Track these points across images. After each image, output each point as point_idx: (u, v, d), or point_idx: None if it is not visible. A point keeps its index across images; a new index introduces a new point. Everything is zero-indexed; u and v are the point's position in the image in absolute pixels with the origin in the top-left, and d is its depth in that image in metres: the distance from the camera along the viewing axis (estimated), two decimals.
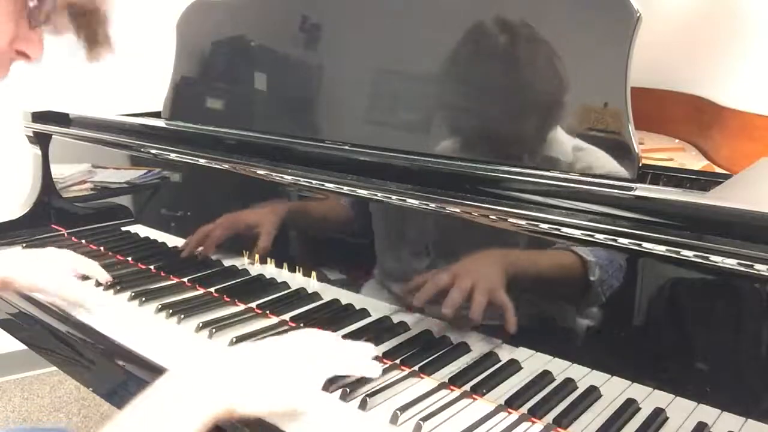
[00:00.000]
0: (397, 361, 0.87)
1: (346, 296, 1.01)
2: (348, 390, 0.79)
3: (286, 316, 1.01)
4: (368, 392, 0.79)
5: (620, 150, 0.82)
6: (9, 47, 0.65)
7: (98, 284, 1.13)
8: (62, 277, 1.05)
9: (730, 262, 0.65)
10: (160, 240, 1.27)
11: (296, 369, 0.73)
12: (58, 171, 1.43)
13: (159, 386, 0.65)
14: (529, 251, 0.84)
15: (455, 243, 0.90)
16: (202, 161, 1.14)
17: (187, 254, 1.19)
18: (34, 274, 1.03)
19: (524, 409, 0.77)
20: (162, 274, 1.18)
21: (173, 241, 1.24)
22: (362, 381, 0.81)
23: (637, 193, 0.75)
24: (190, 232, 1.19)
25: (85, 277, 1.13)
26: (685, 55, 1.53)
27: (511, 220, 0.80)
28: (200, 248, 1.18)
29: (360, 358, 0.80)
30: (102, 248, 1.32)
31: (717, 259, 0.66)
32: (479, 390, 0.80)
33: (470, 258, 0.88)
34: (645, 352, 0.75)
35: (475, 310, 0.85)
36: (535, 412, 0.76)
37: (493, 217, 0.81)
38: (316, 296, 1.04)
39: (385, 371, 0.85)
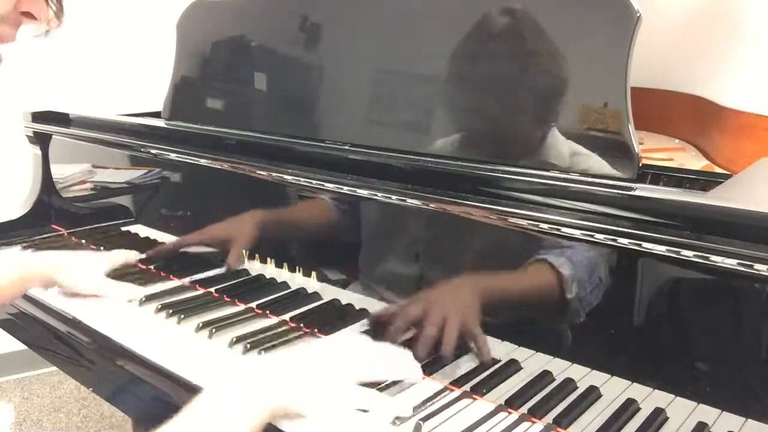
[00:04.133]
0: None
1: (346, 296, 1.01)
2: None
3: (286, 316, 1.01)
4: None
5: (620, 150, 0.82)
6: (14, 10, 0.66)
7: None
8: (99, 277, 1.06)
9: (730, 262, 0.65)
10: (160, 240, 1.27)
11: (344, 372, 0.72)
12: (58, 171, 1.43)
13: (209, 394, 0.66)
14: (504, 274, 0.83)
15: (451, 254, 0.90)
16: (202, 161, 1.14)
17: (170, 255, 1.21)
18: (76, 276, 1.04)
19: (524, 409, 0.77)
20: (162, 274, 1.18)
21: (173, 241, 1.24)
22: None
23: (637, 193, 0.75)
24: (190, 233, 1.20)
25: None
26: (685, 55, 1.53)
27: (511, 220, 0.80)
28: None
29: (402, 360, 0.78)
30: (102, 248, 1.32)
31: (717, 259, 0.66)
32: (479, 390, 0.80)
33: (442, 289, 0.87)
34: (645, 352, 0.75)
35: (448, 343, 0.84)
36: (535, 412, 0.76)
37: (493, 217, 0.81)
38: (316, 296, 1.04)
39: None
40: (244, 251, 1.11)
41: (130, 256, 1.16)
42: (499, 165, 0.88)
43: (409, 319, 0.88)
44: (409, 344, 0.84)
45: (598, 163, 0.84)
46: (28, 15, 0.68)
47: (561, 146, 0.88)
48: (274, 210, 1.09)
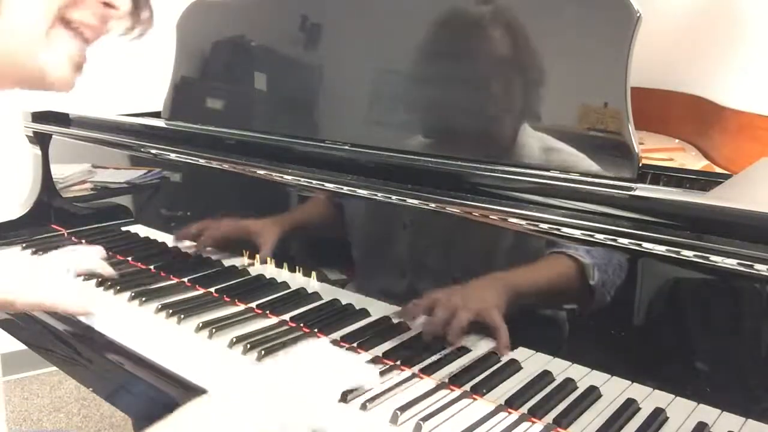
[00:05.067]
0: (398, 362, 0.87)
1: (346, 296, 1.01)
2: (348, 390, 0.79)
3: (286, 316, 1.01)
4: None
5: (620, 150, 0.82)
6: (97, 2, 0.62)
7: (99, 284, 1.13)
8: (61, 286, 1.02)
9: (730, 262, 0.65)
10: (160, 240, 1.27)
11: (309, 391, 0.73)
12: (58, 171, 1.43)
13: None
14: (527, 269, 0.83)
15: (452, 255, 0.90)
16: (202, 161, 1.14)
17: (179, 247, 1.21)
18: (34, 291, 0.99)
19: (524, 409, 0.77)
20: (162, 274, 1.18)
21: (173, 241, 1.24)
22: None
23: (637, 193, 0.75)
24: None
25: (89, 275, 1.13)
26: (685, 55, 1.53)
27: (511, 220, 0.80)
28: (195, 243, 1.19)
29: (356, 366, 0.81)
30: (102, 248, 1.32)
31: (717, 259, 0.66)
32: (479, 390, 0.80)
33: (469, 282, 0.87)
34: (645, 352, 0.75)
35: (454, 328, 0.86)
36: (535, 412, 0.76)
37: (493, 217, 0.81)
38: (316, 296, 1.04)
39: (385, 371, 0.85)
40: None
41: (98, 266, 1.13)
42: (499, 165, 0.88)
43: (429, 302, 0.88)
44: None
45: (602, 158, 0.84)
46: (109, 5, 0.63)
47: (564, 142, 0.87)
48: (284, 212, 1.09)
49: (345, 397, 0.78)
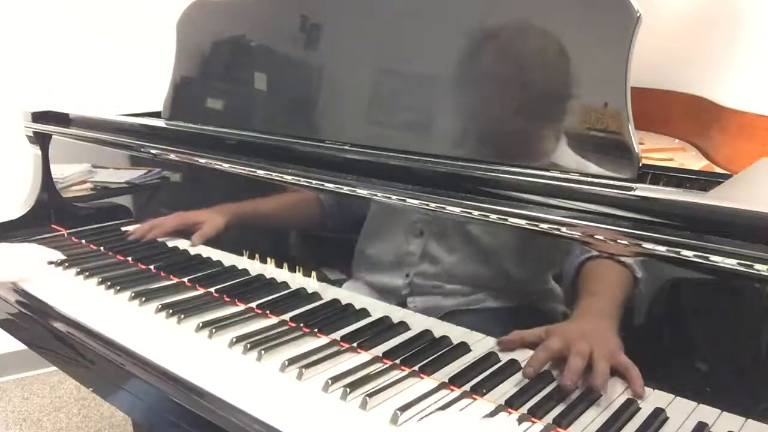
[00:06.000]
0: (397, 361, 0.87)
1: (346, 296, 1.01)
2: (348, 390, 0.79)
3: (286, 316, 1.01)
4: (368, 392, 0.79)
5: (620, 150, 0.82)
6: None
7: (100, 283, 1.13)
8: None
9: (730, 262, 0.65)
10: (160, 240, 1.27)
11: None
12: (58, 171, 1.43)
13: None
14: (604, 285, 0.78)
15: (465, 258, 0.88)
16: (202, 161, 1.14)
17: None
18: None
19: (524, 409, 0.77)
20: (162, 274, 1.18)
21: (173, 241, 1.24)
22: (363, 380, 0.81)
23: (637, 193, 0.75)
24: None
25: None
26: (685, 55, 1.53)
27: (511, 220, 0.80)
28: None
29: None
30: (102, 248, 1.32)
31: (717, 259, 0.66)
32: (479, 390, 0.80)
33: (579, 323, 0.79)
34: (645, 352, 0.75)
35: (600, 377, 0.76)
36: (535, 412, 0.76)
37: (494, 217, 0.81)
38: (316, 296, 1.04)
39: (385, 371, 0.85)
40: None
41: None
42: (499, 165, 0.88)
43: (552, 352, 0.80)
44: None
45: (602, 158, 0.82)
46: None
47: (564, 142, 0.86)
48: (273, 208, 1.09)
49: (345, 396, 0.78)
